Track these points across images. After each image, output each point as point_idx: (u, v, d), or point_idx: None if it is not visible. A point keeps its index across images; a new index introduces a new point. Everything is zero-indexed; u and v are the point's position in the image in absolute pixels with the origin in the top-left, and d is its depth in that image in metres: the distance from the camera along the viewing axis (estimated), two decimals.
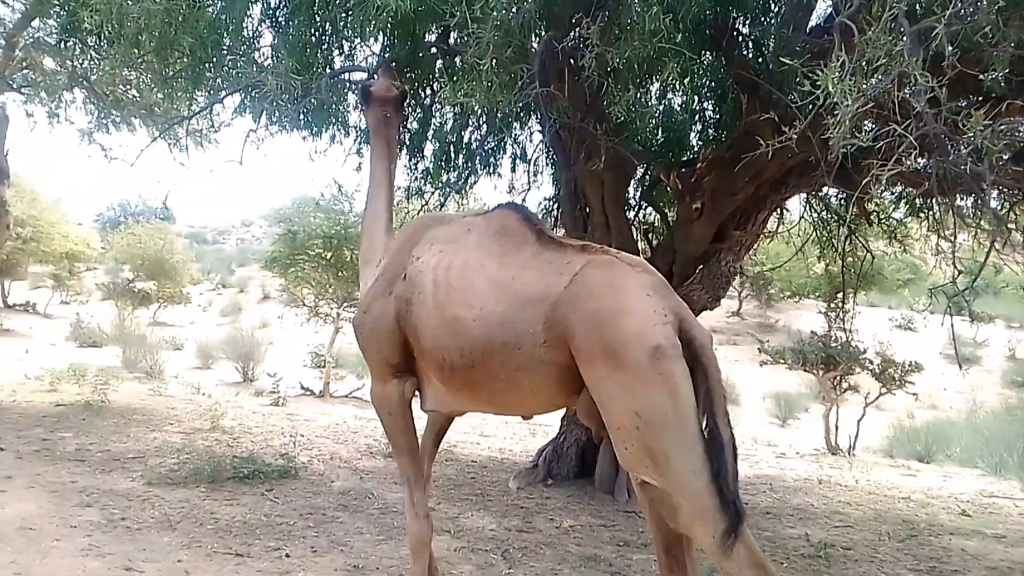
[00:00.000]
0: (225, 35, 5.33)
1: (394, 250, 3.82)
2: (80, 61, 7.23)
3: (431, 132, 7.94)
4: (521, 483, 6.74)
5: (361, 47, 7.31)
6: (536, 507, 6.06)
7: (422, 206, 8.68)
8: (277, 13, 5.83)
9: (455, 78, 5.15)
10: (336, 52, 6.61)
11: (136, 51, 5.84)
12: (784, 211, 6.86)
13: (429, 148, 8.10)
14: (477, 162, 8.36)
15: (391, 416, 3.66)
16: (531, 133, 8.37)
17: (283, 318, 14.21)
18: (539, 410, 3.48)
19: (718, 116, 5.45)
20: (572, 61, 4.20)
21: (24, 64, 8.18)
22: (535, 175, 8.55)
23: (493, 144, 8.28)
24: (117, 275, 30.30)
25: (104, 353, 18.88)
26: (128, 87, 8.40)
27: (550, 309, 2.93)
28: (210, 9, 5.41)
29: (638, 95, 5.23)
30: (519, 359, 3.00)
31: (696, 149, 5.96)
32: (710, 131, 5.62)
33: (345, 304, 13.69)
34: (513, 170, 8.45)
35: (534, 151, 8.09)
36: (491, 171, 8.44)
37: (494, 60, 3.58)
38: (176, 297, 28.95)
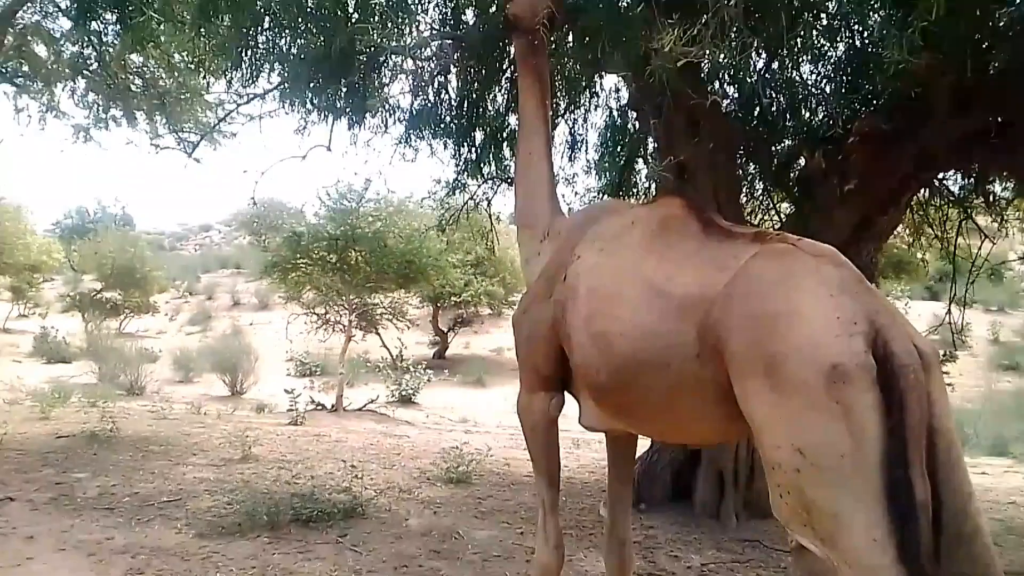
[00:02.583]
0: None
1: (560, 243, 3.30)
2: (86, 46, 6.27)
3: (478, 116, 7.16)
4: None
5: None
6: (644, 540, 5.28)
7: (465, 202, 7.87)
8: None
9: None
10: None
11: (170, 22, 4.97)
12: (942, 190, 6.17)
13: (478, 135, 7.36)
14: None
15: (533, 432, 3.30)
16: (587, 115, 7.61)
17: (289, 325, 13.17)
18: (712, 439, 3.14)
19: (875, 78, 4.67)
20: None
21: (16, 52, 7.12)
22: (598, 162, 7.74)
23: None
24: (76, 285, 28.80)
25: (75, 368, 17.72)
26: (133, 76, 7.40)
27: (705, 314, 2.30)
28: None
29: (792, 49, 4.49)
30: (671, 379, 2.42)
31: (841, 121, 5.21)
32: (861, 99, 4.86)
33: (357, 311, 12.75)
34: (571, 160, 7.68)
35: (603, 133, 7.28)
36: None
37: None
38: (144, 307, 27.58)
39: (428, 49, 6.27)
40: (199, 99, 7.82)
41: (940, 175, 5.57)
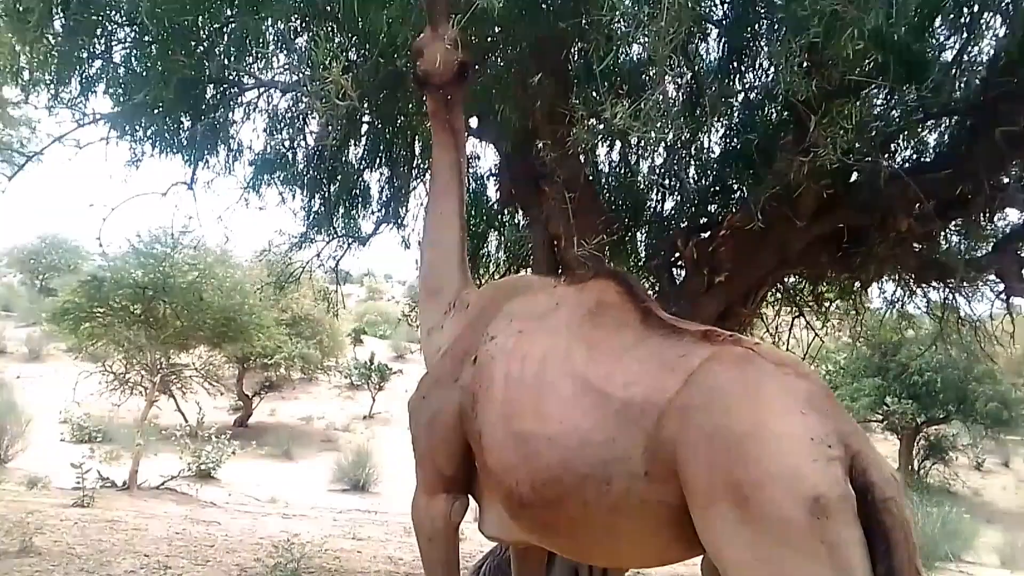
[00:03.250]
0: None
1: (469, 319, 2.93)
2: None
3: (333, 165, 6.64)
4: None
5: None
6: None
7: (311, 258, 7.18)
8: None
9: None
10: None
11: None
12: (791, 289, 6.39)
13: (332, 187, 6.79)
14: (385, 208, 7.09)
15: (431, 542, 2.82)
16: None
17: (80, 380, 11.37)
18: (651, 563, 2.74)
19: (749, 172, 4.75)
20: None
21: None
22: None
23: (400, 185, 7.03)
24: None
25: None
26: None
27: (654, 425, 2.04)
28: None
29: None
30: (611, 499, 2.11)
31: (715, 212, 5.24)
32: (734, 190, 4.91)
33: (164, 372, 11.24)
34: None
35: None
36: (396, 222, 7.19)
37: None
38: None
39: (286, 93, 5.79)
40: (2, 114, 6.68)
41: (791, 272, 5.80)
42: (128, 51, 5.14)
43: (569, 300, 2.62)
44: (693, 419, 1.96)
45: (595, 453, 2.12)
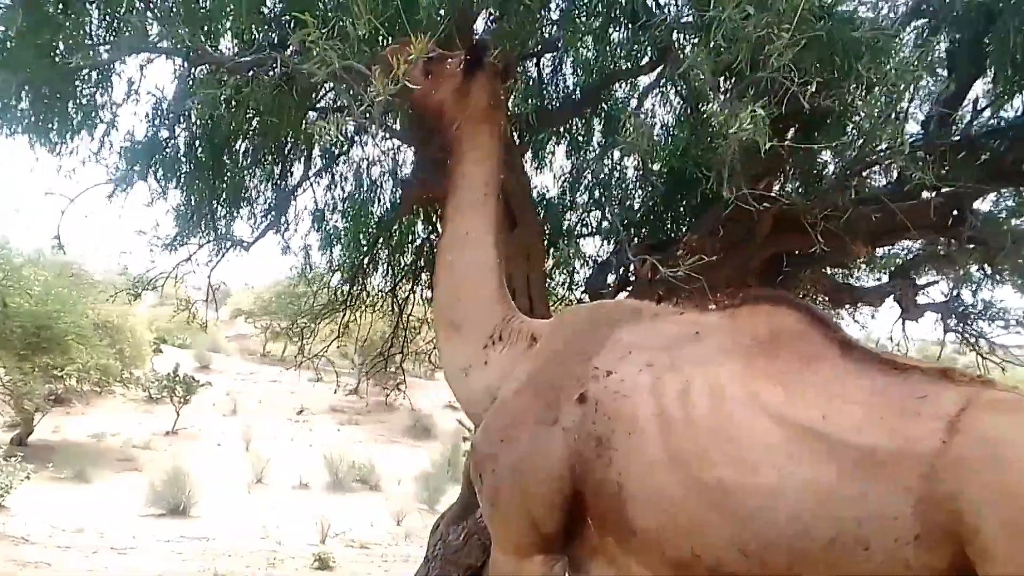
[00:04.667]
0: None
1: (547, 352, 2.55)
2: None
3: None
4: None
5: None
6: None
7: (182, 262, 6.45)
8: None
9: None
10: None
11: None
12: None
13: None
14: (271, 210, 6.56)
15: None
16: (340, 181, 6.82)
17: None
18: None
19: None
20: None
21: None
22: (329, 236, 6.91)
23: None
24: None
25: None
26: None
27: (923, 480, 1.83)
28: None
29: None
30: (869, 566, 1.87)
31: (676, 224, 5.27)
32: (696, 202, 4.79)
33: None
34: (318, 228, 6.76)
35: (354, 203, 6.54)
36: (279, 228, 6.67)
37: None
38: None
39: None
40: None
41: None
42: None
43: (717, 328, 2.35)
44: (980, 475, 1.79)
45: (842, 511, 1.87)
